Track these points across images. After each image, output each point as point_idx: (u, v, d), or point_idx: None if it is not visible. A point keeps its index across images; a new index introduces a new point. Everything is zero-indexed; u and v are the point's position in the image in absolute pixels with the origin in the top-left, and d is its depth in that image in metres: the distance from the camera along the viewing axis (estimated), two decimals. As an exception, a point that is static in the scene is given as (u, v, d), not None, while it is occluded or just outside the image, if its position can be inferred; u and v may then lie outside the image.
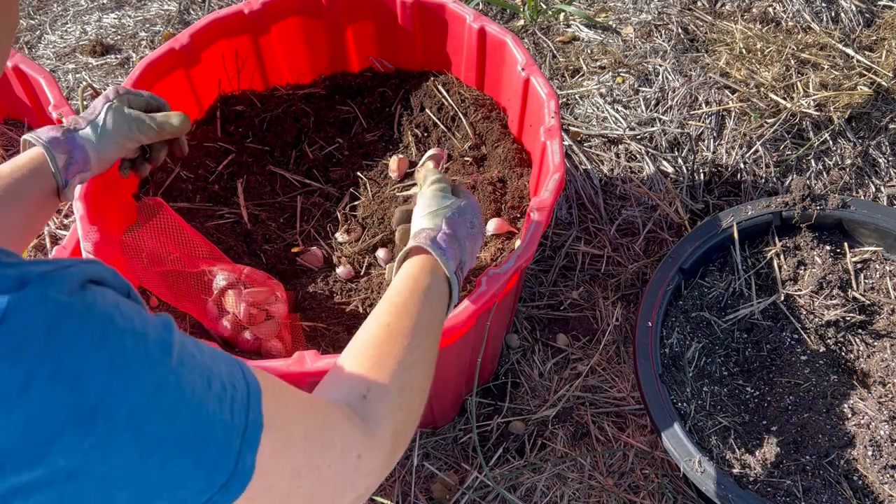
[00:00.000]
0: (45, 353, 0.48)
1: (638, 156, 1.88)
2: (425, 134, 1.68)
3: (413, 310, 0.91)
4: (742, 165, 1.87)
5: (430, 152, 1.60)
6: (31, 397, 0.47)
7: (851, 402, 1.43)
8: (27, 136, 1.12)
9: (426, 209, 1.10)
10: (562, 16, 2.20)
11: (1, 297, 0.48)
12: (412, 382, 0.85)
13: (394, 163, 1.62)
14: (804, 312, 1.55)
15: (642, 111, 1.94)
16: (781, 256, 1.62)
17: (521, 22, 2.21)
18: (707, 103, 1.93)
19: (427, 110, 1.67)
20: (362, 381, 0.81)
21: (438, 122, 1.65)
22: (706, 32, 2.09)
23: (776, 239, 1.63)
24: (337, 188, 1.66)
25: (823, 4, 2.10)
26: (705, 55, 2.03)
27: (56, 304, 0.50)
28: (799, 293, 1.56)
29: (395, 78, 1.75)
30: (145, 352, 0.54)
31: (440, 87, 1.67)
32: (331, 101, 1.75)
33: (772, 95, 1.90)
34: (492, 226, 1.46)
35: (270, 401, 0.64)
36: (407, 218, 1.17)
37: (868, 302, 1.56)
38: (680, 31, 2.08)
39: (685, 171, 1.87)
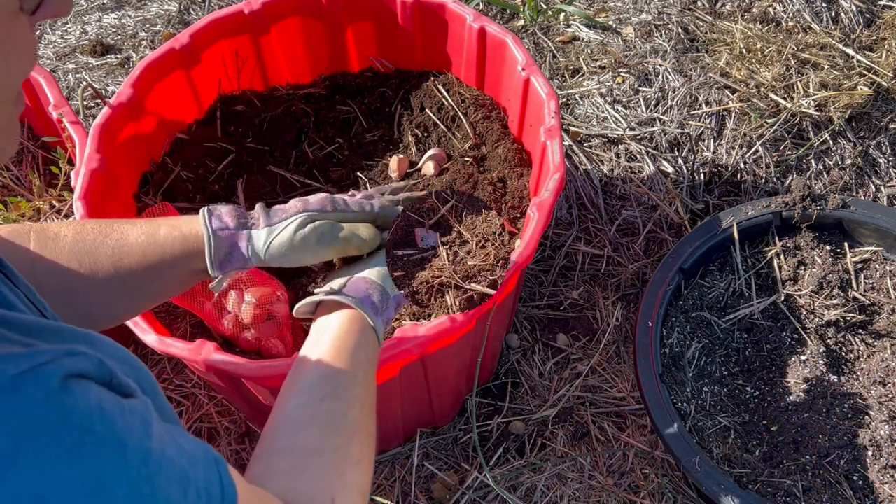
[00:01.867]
0: (6, 475, 0.46)
1: (638, 156, 1.88)
2: (425, 134, 1.68)
3: (364, 393, 0.89)
4: (742, 165, 1.87)
5: (430, 152, 1.60)
6: None
7: (851, 402, 1.43)
8: (205, 213, 1.02)
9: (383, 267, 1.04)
10: (562, 16, 2.20)
11: None
12: (367, 477, 0.85)
13: (394, 163, 1.62)
14: (804, 312, 1.55)
15: (642, 111, 1.94)
16: (781, 256, 1.62)
17: (521, 22, 2.21)
18: (707, 103, 1.93)
19: (427, 110, 1.67)
20: (326, 487, 0.80)
21: (438, 122, 1.65)
22: (706, 32, 2.09)
23: (776, 239, 1.63)
24: (337, 188, 1.66)
25: (823, 4, 2.10)
26: (705, 55, 2.03)
27: (22, 419, 0.47)
28: (799, 293, 1.56)
29: (395, 78, 1.75)
30: (123, 463, 0.51)
31: (440, 87, 1.67)
32: (331, 101, 1.75)
33: (772, 95, 1.90)
34: (492, 226, 1.46)
35: None
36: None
37: (868, 302, 1.56)
38: (680, 31, 2.08)
39: (685, 171, 1.87)
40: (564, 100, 2.00)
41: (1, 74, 0.52)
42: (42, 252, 0.91)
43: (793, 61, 1.94)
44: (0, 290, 0.60)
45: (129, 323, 1.22)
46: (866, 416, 1.42)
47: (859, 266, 1.61)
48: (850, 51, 1.98)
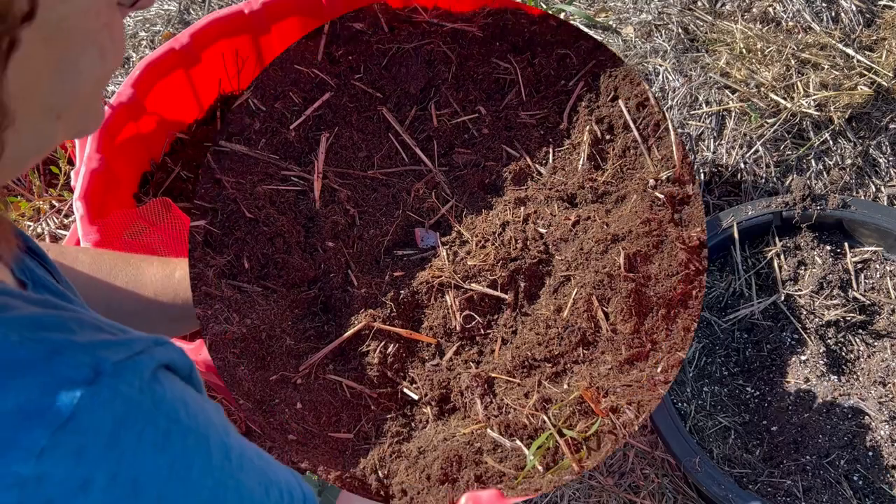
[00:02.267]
0: (106, 456, 0.47)
1: (638, 156, 1.89)
2: (609, 136, 1.20)
3: None
4: (742, 165, 1.87)
5: None
6: (88, 498, 0.46)
7: (851, 402, 1.44)
8: None
9: None
10: (562, 16, 2.20)
11: (74, 390, 0.46)
12: None
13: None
14: (804, 312, 1.55)
15: (642, 111, 1.94)
16: (781, 256, 1.62)
17: (522, 22, 2.21)
18: (707, 103, 1.93)
19: (621, 102, 1.19)
20: None
21: (632, 126, 1.18)
22: (706, 32, 2.09)
23: (776, 239, 1.63)
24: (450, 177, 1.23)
25: (823, 4, 2.10)
26: (705, 55, 2.03)
27: (125, 402, 0.48)
28: (799, 293, 1.56)
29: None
30: (207, 454, 0.53)
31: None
32: (487, 48, 1.24)
33: (772, 95, 1.90)
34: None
35: None
36: None
37: (868, 302, 1.56)
38: (680, 31, 2.08)
39: (685, 171, 1.87)
40: (564, 100, 2.00)
41: (101, 65, 0.54)
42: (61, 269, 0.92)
43: (793, 61, 1.94)
44: (59, 290, 0.61)
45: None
46: (866, 416, 1.42)
47: (859, 266, 1.61)
48: (850, 51, 1.98)
